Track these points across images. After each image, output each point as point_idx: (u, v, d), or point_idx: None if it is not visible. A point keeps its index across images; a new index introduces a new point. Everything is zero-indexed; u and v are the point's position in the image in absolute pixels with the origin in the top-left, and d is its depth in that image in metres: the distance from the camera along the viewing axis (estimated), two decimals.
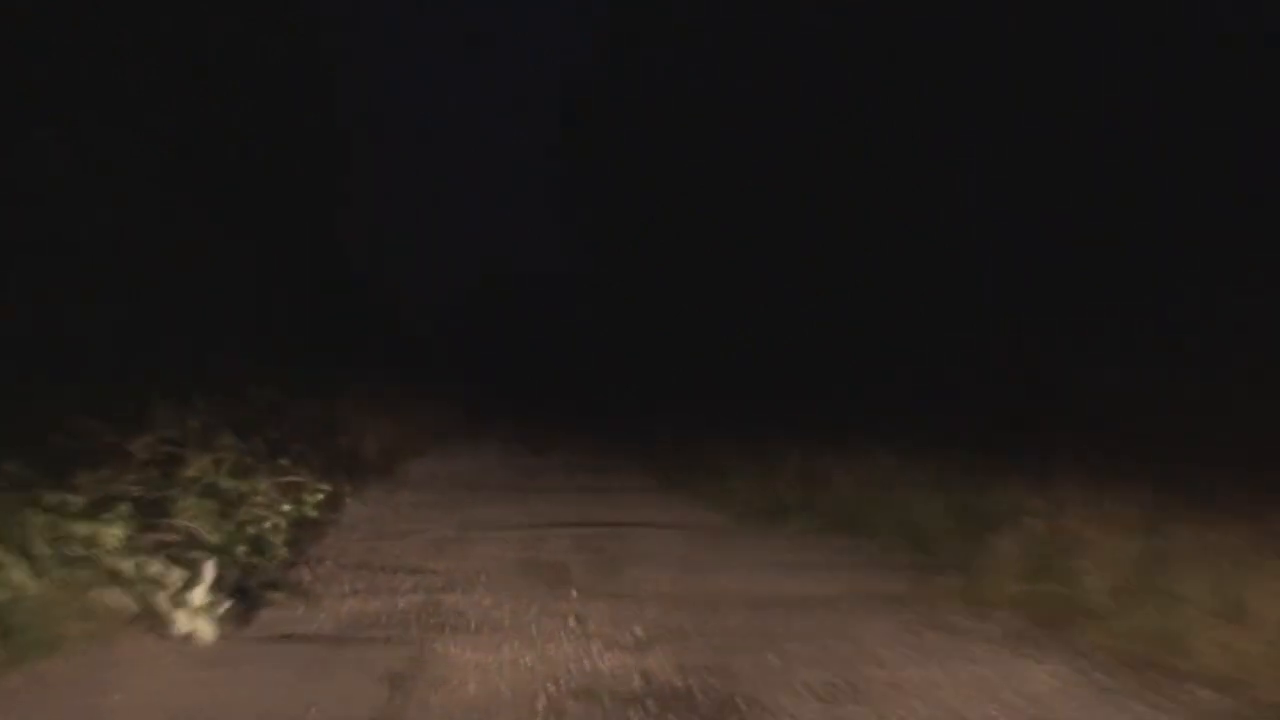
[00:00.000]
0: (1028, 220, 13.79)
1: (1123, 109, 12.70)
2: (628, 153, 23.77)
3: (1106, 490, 7.23)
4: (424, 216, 32.94)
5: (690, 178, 20.54)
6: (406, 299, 31.45)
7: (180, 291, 12.36)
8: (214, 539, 6.26)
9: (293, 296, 17.57)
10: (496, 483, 12.53)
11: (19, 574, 5.24)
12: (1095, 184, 13.03)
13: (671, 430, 16.08)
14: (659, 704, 4.41)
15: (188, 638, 5.17)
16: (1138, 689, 4.71)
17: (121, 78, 11.76)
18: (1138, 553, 6.01)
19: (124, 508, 5.93)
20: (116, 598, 5.37)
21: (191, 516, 6.39)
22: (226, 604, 5.41)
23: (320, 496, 8.41)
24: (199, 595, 5.33)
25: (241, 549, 6.48)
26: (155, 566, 5.51)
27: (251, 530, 6.91)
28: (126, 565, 5.50)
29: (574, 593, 6.42)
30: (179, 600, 5.31)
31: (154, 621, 5.28)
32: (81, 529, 5.66)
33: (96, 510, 5.85)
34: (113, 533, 5.65)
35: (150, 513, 6.19)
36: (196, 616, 5.25)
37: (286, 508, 7.63)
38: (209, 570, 5.48)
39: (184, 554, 5.76)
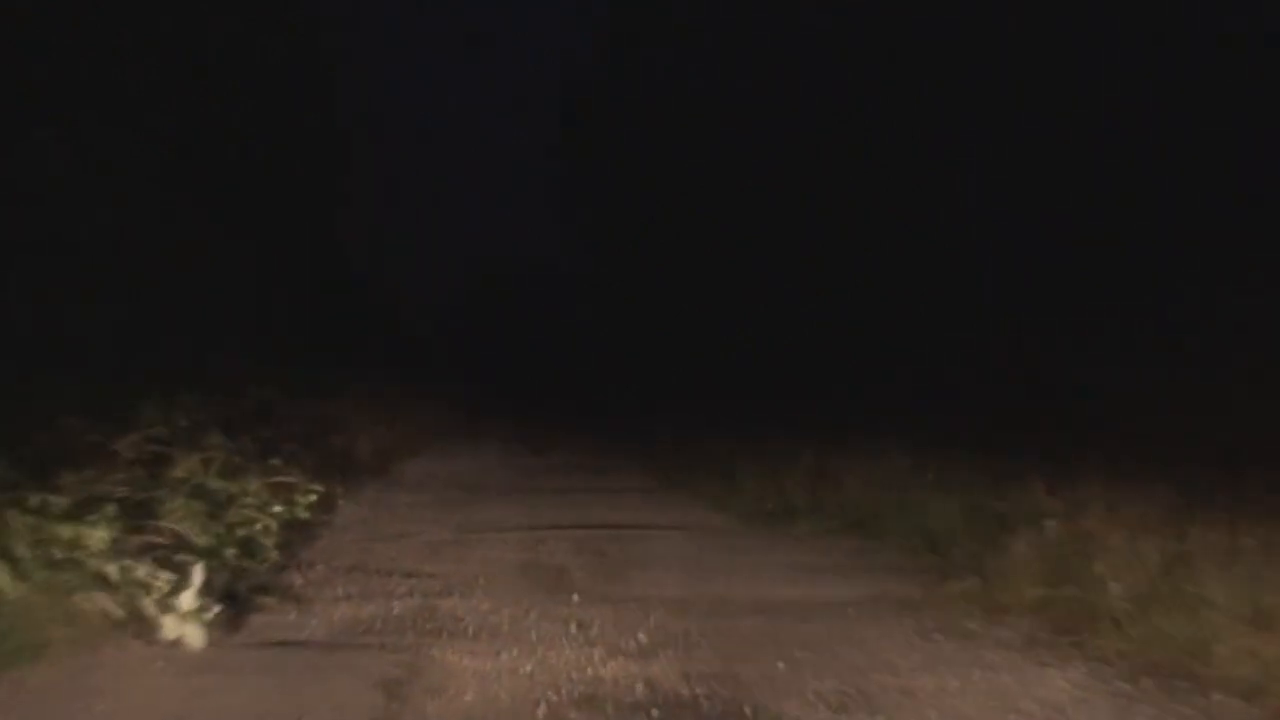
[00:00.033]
0: (1028, 220, 13.96)
1: (1123, 109, 12.87)
2: (628, 153, 24.17)
3: (1126, 491, 7.22)
4: (424, 216, 33.42)
5: (690, 178, 20.87)
6: (406, 299, 32.05)
7: (180, 291, 12.53)
8: (202, 541, 6.26)
9: (292, 296, 17.85)
10: (495, 483, 12.53)
11: (0, 578, 5.24)
12: (1095, 184, 13.18)
13: (674, 430, 16.11)
14: (664, 713, 4.40)
15: (175, 644, 5.17)
16: (1160, 697, 4.70)
17: (121, 78, 11.98)
18: (1160, 556, 5.99)
19: (109, 509, 5.93)
20: (102, 602, 5.36)
21: (179, 518, 6.39)
22: (215, 609, 5.40)
23: (313, 498, 8.41)
24: (187, 600, 5.32)
25: (231, 552, 6.48)
26: (142, 570, 5.50)
27: (241, 532, 6.91)
28: (112, 569, 5.50)
29: (575, 597, 6.42)
30: (166, 605, 5.30)
31: (141, 627, 5.28)
32: (65, 531, 5.65)
33: (81, 512, 5.84)
34: (98, 535, 5.65)
35: (136, 514, 6.19)
36: (184, 622, 5.24)
37: (278, 509, 7.63)
38: (197, 574, 5.48)
39: (171, 557, 5.76)
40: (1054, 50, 13.71)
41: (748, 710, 4.44)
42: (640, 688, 4.71)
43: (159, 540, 6.01)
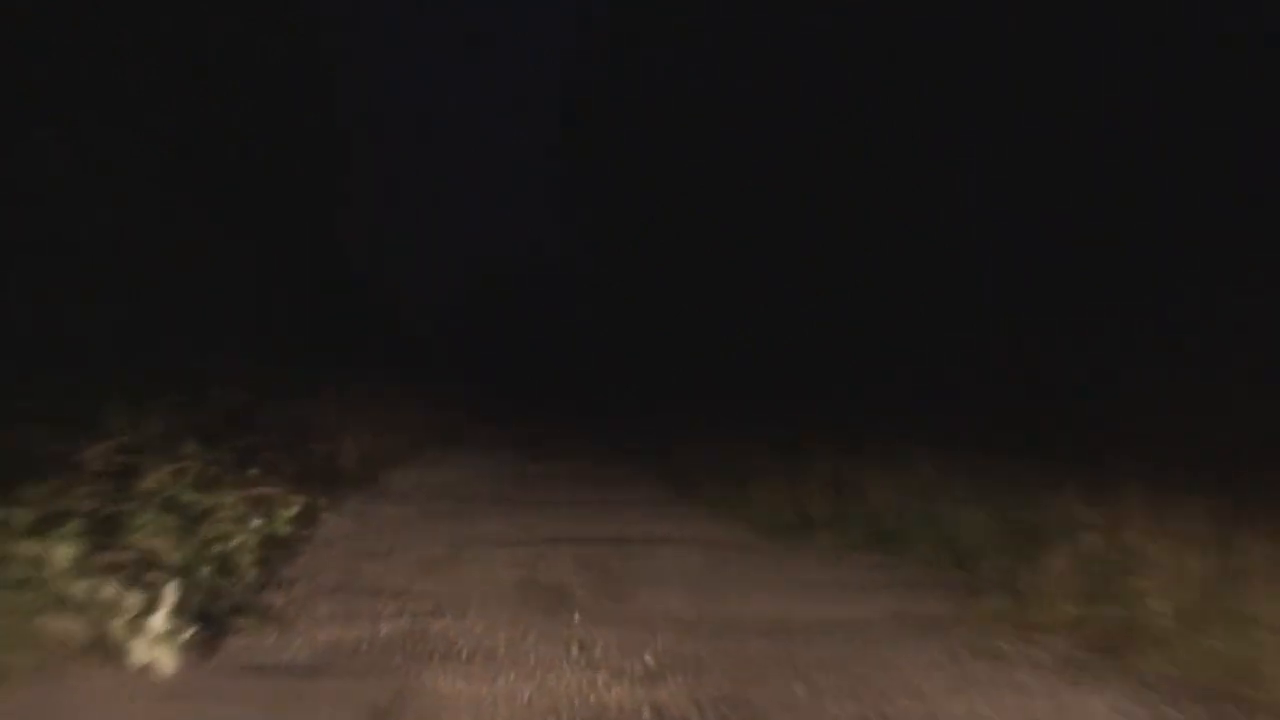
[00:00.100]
0: (1027, 220, 14.47)
1: (1123, 109, 13.32)
2: (628, 153, 24.95)
3: (1169, 500, 7.22)
4: (423, 216, 33.95)
5: (690, 177, 21.55)
6: (406, 298, 32.68)
7: (180, 291, 12.98)
8: (175, 559, 6.26)
9: (292, 296, 18.42)
10: (491, 493, 12.50)
11: None
12: (1095, 184, 13.65)
13: (682, 435, 16.12)
14: None
15: (146, 669, 5.16)
16: None
17: (121, 78, 12.40)
18: (1206, 570, 5.99)
19: (74, 525, 5.93)
20: (66, 625, 5.35)
21: (150, 534, 6.40)
22: (189, 631, 5.40)
23: (294, 510, 8.42)
24: (158, 622, 5.32)
25: (205, 570, 6.48)
26: (109, 590, 5.49)
27: (217, 549, 6.90)
28: (77, 589, 5.49)
29: (577, 617, 6.42)
30: (136, 627, 5.30)
31: (108, 651, 5.27)
32: (27, 548, 5.65)
33: (44, 527, 5.84)
34: (62, 552, 5.65)
35: (104, 530, 6.19)
36: (155, 645, 5.24)
37: (256, 523, 7.63)
38: (169, 594, 5.47)
39: (141, 576, 5.75)
40: (1054, 50, 14.18)
41: None
42: (647, 714, 4.71)
43: (128, 558, 6.00)
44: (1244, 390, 10.05)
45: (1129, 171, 13.16)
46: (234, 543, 7.13)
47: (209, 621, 5.73)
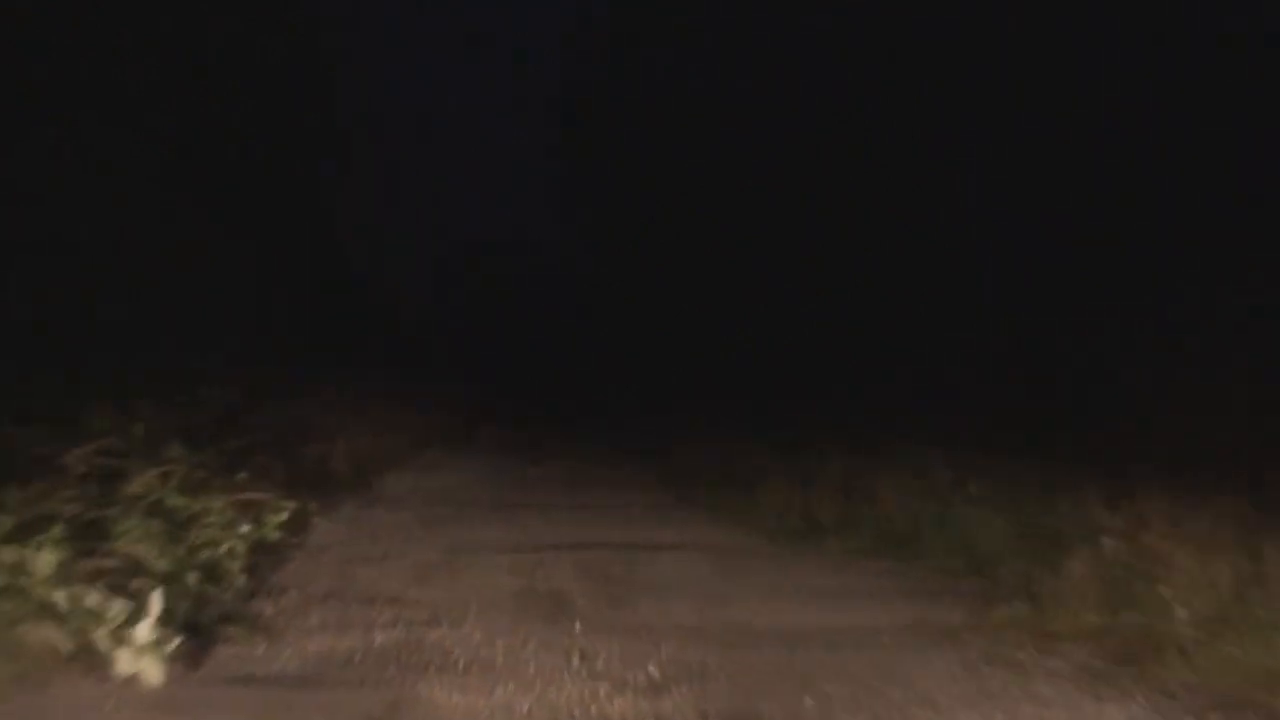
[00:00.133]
0: (1028, 220, 14.70)
1: (1123, 109, 13.52)
2: (628, 153, 25.49)
3: (1193, 503, 7.21)
4: (423, 216, 34.29)
5: (691, 178, 22.01)
6: (406, 298, 33.21)
7: (180, 291, 13.28)
8: (161, 566, 6.24)
9: (291, 296, 18.72)
10: (489, 498, 12.50)
11: None
12: (1095, 184, 13.87)
13: (684, 436, 16.14)
14: None
15: (131, 680, 5.16)
16: None
17: (121, 78, 12.64)
18: (1231, 576, 5.98)
19: (57, 530, 5.92)
20: (49, 634, 5.35)
21: (135, 540, 6.39)
22: (175, 641, 5.39)
23: (284, 515, 8.39)
24: (144, 631, 5.31)
25: (193, 577, 6.46)
26: (93, 598, 5.49)
27: (204, 555, 6.89)
28: (60, 596, 5.48)
29: (578, 626, 6.41)
30: (121, 637, 5.29)
31: (92, 661, 5.27)
32: (8, 555, 5.65)
33: (25, 533, 5.84)
34: (44, 559, 5.64)
35: (87, 536, 6.18)
36: (141, 655, 5.23)
37: (245, 529, 7.61)
38: (155, 602, 5.46)
39: (126, 583, 5.74)
40: (1054, 50, 14.40)
41: None
42: None
43: (112, 565, 6.00)
44: (1263, 392, 10.12)
45: (1129, 171, 13.35)
46: (222, 549, 7.12)
47: (196, 631, 5.73)
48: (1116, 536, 6.85)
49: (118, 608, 5.41)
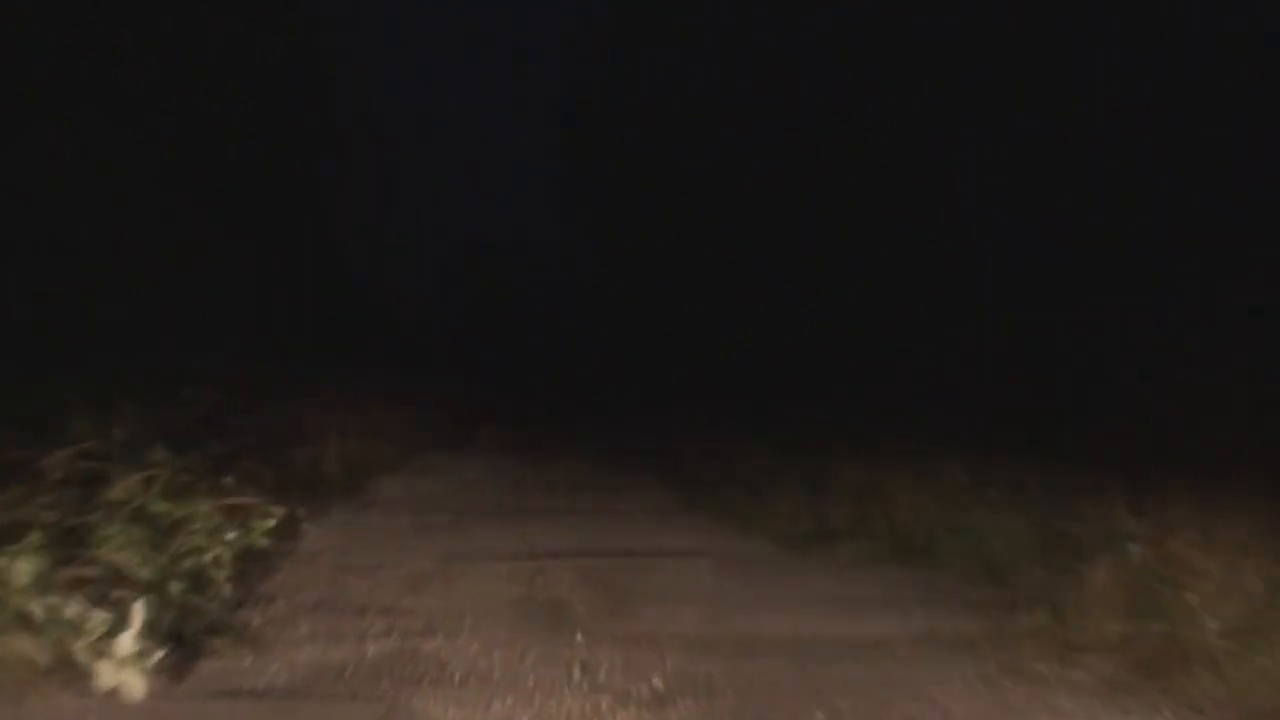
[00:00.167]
0: (1028, 220, 15.06)
1: (1123, 109, 13.83)
2: (628, 153, 26.08)
3: (1222, 508, 7.19)
4: (423, 216, 34.81)
5: (691, 177, 22.53)
6: (406, 298, 33.83)
7: (180, 291, 13.63)
8: (143, 574, 6.22)
9: (290, 296, 19.17)
10: (486, 503, 12.48)
11: None
12: (1095, 184, 14.22)
13: (687, 438, 16.15)
14: None
15: (113, 693, 5.15)
16: None
17: (121, 78, 12.96)
18: (1257, 583, 5.96)
19: (35, 537, 5.90)
20: (27, 646, 5.34)
21: (116, 547, 6.37)
22: (159, 653, 5.38)
23: (272, 522, 8.37)
24: (126, 643, 5.30)
25: (177, 586, 6.44)
26: (73, 608, 5.47)
27: (188, 564, 6.87)
28: (39, 606, 5.47)
29: (579, 637, 6.40)
30: (102, 649, 5.28)
31: (72, 674, 5.26)
32: None
33: (1, 541, 5.82)
34: (21, 568, 5.62)
35: (66, 543, 6.17)
36: (123, 668, 5.22)
37: (231, 536, 7.59)
38: (137, 612, 5.45)
39: (107, 593, 5.73)
40: (1054, 50, 14.75)
41: None
42: None
43: (93, 573, 5.99)
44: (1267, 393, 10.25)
45: (1129, 171, 13.63)
46: (207, 557, 7.09)
47: (180, 642, 5.71)
48: (1142, 542, 6.82)
49: (98, 618, 5.40)
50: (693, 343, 23.08)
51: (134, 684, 5.17)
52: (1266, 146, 12.28)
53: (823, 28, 18.93)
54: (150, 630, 5.43)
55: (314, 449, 13.10)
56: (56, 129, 11.66)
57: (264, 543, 8.16)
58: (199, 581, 6.78)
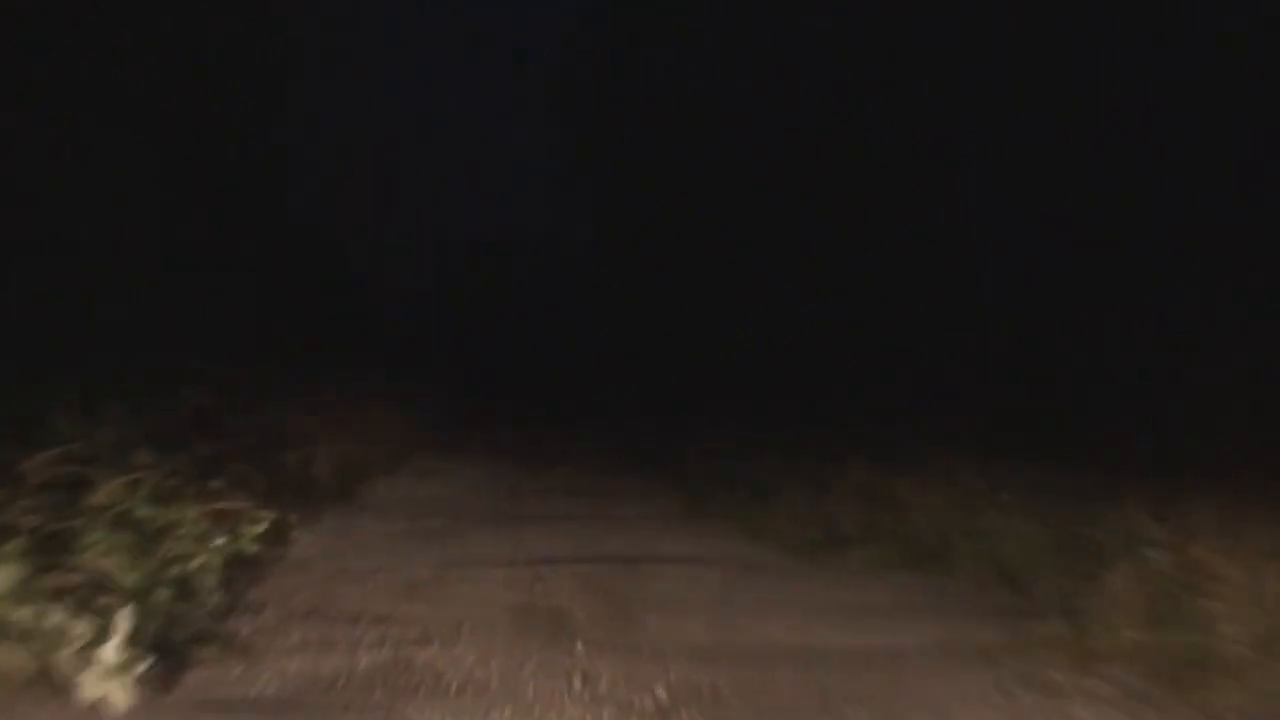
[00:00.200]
0: (1028, 220, 15.64)
1: (1123, 109, 14.40)
2: (628, 153, 26.91)
3: (1243, 513, 7.19)
4: (423, 216, 35.35)
5: (691, 177, 23.31)
6: (405, 299, 34.67)
7: (180, 291, 13.93)
8: (129, 581, 6.22)
9: (289, 296, 19.52)
10: (484, 508, 12.48)
11: None
12: (1095, 184, 14.78)
13: (691, 440, 16.18)
14: None
15: (96, 705, 5.14)
16: None
17: (121, 78, 13.26)
18: None
19: (16, 544, 5.90)
20: (8, 655, 5.33)
21: (100, 554, 6.36)
22: (145, 663, 5.37)
23: (262, 527, 8.37)
24: (111, 652, 5.29)
25: (163, 594, 6.44)
26: (56, 617, 5.47)
27: (176, 570, 6.87)
28: (19, 615, 5.46)
29: (579, 646, 6.39)
30: (86, 658, 5.27)
31: (55, 685, 5.24)
32: None
33: None
34: (2, 575, 5.62)
35: (48, 549, 6.15)
36: (108, 678, 5.21)
37: (220, 541, 7.59)
38: (122, 621, 5.45)
39: (91, 601, 5.72)
40: (1054, 50, 15.31)
41: None
42: None
43: (76, 581, 5.98)
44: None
45: (1129, 171, 14.12)
46: (195, 563, 7.09)
47: (167, 652, 5.70)
48: (1162, 547, 6.82)
49: (82, 627, 5.39)
50: (694, 343, 23.42)
51: (119, 695, 5.16)
52: (1266, 146, 12.68)
53: (823, 28, 19.46)
54: (135, 639, 5.42)
55: (307, 451, 13.10)
56: (56, 129, 11.86)
57: (254, 548, 8.16)
58: (186, 589, 6.77)
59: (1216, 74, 13.50)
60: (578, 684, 5.62)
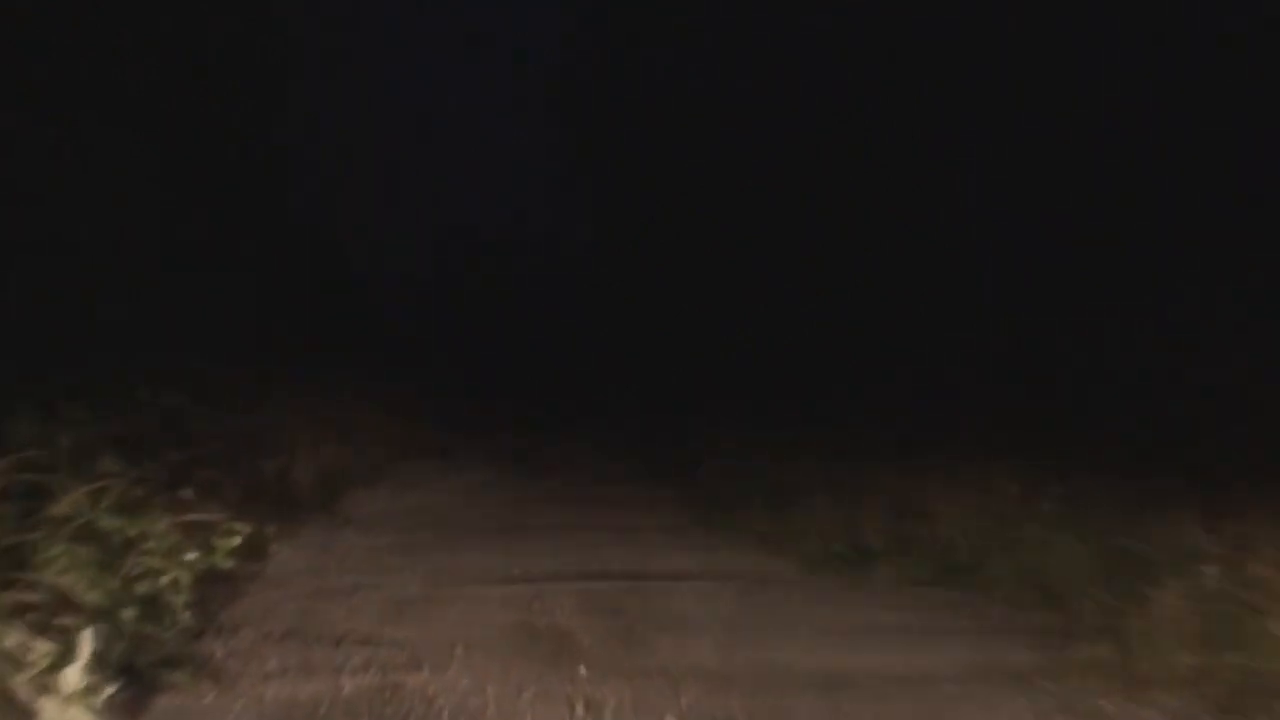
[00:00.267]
0: (1028, 220, 16.35)
1: (1123, 109, 15.09)
2: (628, 153, 28.10)
3: None
4: (423, 215, 36.43)
5: (691, 177, 24.36)
6: (405, 299, 36.05)
7: (181, 291, 14.55)
8: (92, 600, 6.20)
9: (288, 296, 20.39)
10: (478, 520, 12.48)
11: None
12: (1095, 184, 15.46)
13: (699, 446, 16.22)
14: None
15: None
16: None
17: (121, 78, 13.93)
18: None
19: None
20: None
21: (61, 569, 6.34)
22: (110, 688, 5.35)
23: (236, 540, 8.35)
24: (73, 676, 5.27)
25: (129, 613, 6.41)
26: (14, 637, 5.44)
27: (143, 588, 6.85)
28: None
29: (583, 670, 6.36)
30: (46, 683, 5.25)
31: (12, 711, 5.22)
32: None
33: None
34: None
35: (4, 564, 6.14)
36: (69, 704, 5.19)
37: (191, 556, 7.57)
38: (85, 642, 5.43)
39: (51, 621, 5.70)
40: (1054, 50, 16.03)
41: None
42: None
43: (34, 599, 5.95)
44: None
45: (1129, 171, 14.76)
46: (164, 580, 7.07)
47: (134, 676, 5.68)
48: (1216, 563, 6.78)
49: (42, 649, 5.37)
50: (696, 343, 24.22)
51: None
52: (1266, 146, 13.25)
53: (823, 28, 20.34)
54: (100, 662, 5.40)
55: (286, 458, 13.09)
56: (56, 129, 12.35)
57: (228, 564, 8.15)
58: (154, 608, 6.75)
59: (1216, 74, 14.07)
60: (580, 711, 5.60)
